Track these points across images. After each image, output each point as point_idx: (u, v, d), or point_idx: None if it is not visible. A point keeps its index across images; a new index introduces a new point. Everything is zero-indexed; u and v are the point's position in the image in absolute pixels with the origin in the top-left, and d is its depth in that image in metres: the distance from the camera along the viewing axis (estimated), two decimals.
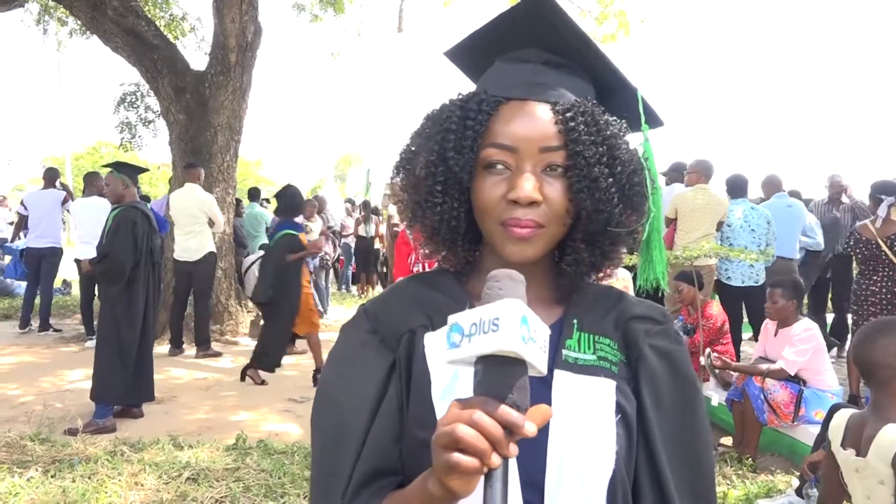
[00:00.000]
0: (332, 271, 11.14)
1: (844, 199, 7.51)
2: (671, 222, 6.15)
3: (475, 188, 0.89)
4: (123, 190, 4.89)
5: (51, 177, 8.49)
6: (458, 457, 0.65)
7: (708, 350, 4.90)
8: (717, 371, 4.86)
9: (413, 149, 0.95)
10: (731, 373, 4.79)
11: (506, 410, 0.66)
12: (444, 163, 0.89)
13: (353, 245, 12.62)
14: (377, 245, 12.31)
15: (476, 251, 0.97)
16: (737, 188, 6.30)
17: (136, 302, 4.80)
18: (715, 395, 5.00)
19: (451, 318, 0.72)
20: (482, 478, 0.67)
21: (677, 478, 0.91)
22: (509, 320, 0.67)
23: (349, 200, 14.34)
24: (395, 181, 0.97)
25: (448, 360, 0.71)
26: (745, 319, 6.42)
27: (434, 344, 0.89)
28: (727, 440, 4.69)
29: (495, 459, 0.66)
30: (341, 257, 12.40)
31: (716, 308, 5.47)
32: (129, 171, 5.03)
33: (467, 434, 0.65)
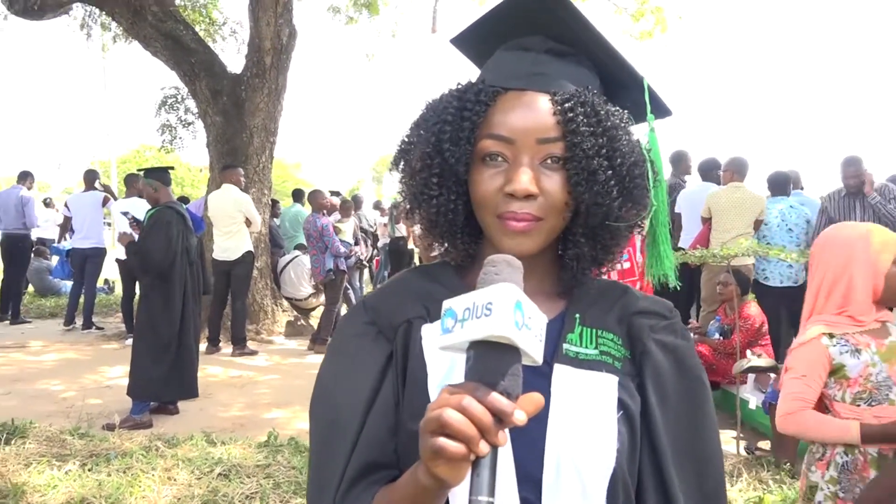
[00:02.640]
0: (366, 271, 11.21)
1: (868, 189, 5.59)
2: (706, 221, 6.03)
3: (472, 180, 0.88)
4: (155, 193, 5.02)
5: (90, 178, 8.69)
6: (443, 441, 0.63)
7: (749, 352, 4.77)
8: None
9: (412, 139, 0.94)
10: (771, 375, 4.67)
11: (495, 397, 0.64)
12: (440, 154, 0.88)
13: (387, 246, 12.67)
14: (410, 245, 12.33)
15: (477, 243, 0.96)
16: (776, 186, 6.14)
17: (172, 300, 4.88)
18: (752, 397, 4.88)
19: (446, 304, 0.71)
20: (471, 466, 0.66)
21: (683, 477, 0.89)
22: (502, 305, 0.66)
23: (377, 206, 14.42)
24: (395, 173, 0.96)
25: (441, 346, 0.70)
26: None
27: (431, 335, 0.88)
28: (765, 444, 4.57)
29: (483, 447, 0.64)
30: (377, 257, 12.46)
31: (754, 308, 5.33)
32: (156, 174, 5.13)
33: (454, 419, 0.63)
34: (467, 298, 0.69)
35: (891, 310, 2.16)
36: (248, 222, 7.26)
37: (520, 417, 0.65)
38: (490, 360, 0.67)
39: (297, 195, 10.76)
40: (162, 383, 4.85)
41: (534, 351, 0.68)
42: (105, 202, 8.42)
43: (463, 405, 0.63)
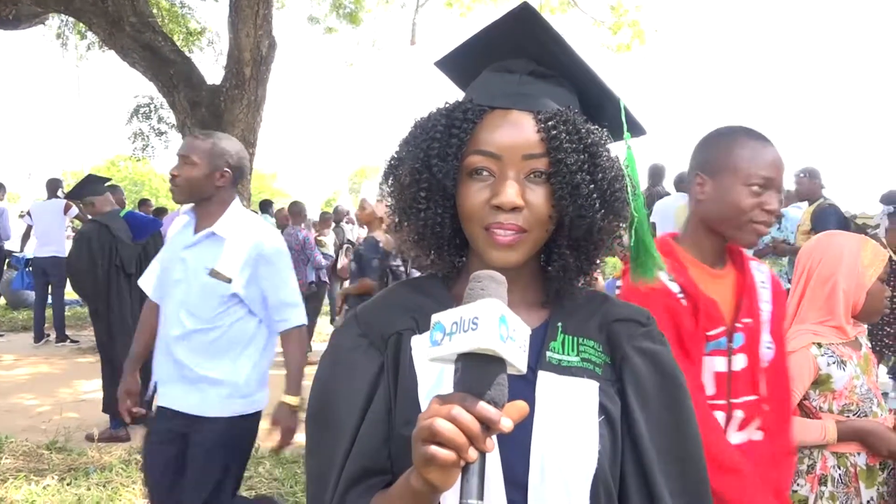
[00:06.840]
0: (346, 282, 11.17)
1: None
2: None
3: (460, 194, 0.92)
4: (94, 209, 4.89)
5: (53, 187, 8.51)
6: (434, 449, 0.68)
7: None
8: None
9: (400, 155, 0.97)
10: None
11: (483, 406, 0.69)
12: (429, 170, 0.92)
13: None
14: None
15: (463, 256, 1.00)
16: None
17: (120, 314, 4.72)
18: None
19: (434, 317, 0.75)
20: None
21: (667, 477, 0.93)
22: (488, 319, 0.71)
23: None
24: (384, 187, 0.99)
25: (430, 358, 0.75)
26: None
27: (420, 346, 0.92)
28: None
29: (472, 453, 0.69)
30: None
31: None
32: (84, 190, 5.01)
33: (445, 428, 0.68)
34: (455, 313, 0.73)
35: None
36: None
37: (506, 424, 0.70)
38: (477, 371, 0.71)
39: (265, 206, 10.36)
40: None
41: (518, 361, 0.73)
42: (67, 209, 8.25)
43: (452, 415, 0.68)
